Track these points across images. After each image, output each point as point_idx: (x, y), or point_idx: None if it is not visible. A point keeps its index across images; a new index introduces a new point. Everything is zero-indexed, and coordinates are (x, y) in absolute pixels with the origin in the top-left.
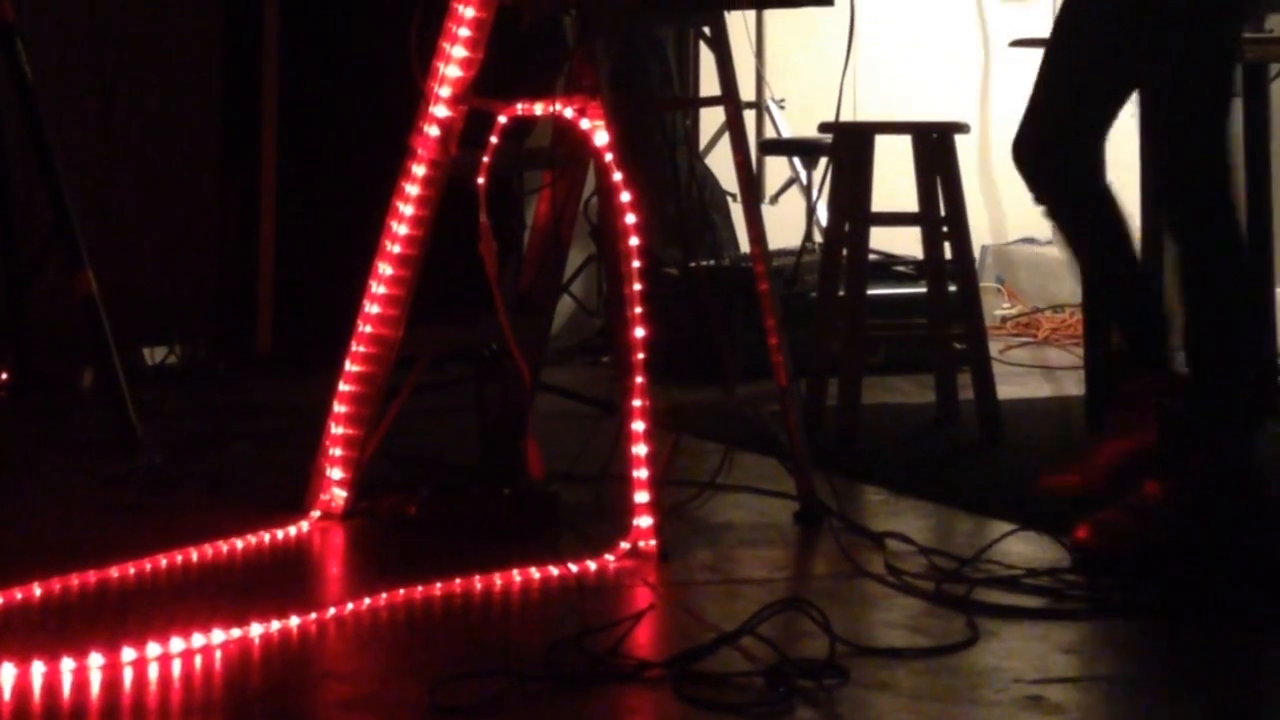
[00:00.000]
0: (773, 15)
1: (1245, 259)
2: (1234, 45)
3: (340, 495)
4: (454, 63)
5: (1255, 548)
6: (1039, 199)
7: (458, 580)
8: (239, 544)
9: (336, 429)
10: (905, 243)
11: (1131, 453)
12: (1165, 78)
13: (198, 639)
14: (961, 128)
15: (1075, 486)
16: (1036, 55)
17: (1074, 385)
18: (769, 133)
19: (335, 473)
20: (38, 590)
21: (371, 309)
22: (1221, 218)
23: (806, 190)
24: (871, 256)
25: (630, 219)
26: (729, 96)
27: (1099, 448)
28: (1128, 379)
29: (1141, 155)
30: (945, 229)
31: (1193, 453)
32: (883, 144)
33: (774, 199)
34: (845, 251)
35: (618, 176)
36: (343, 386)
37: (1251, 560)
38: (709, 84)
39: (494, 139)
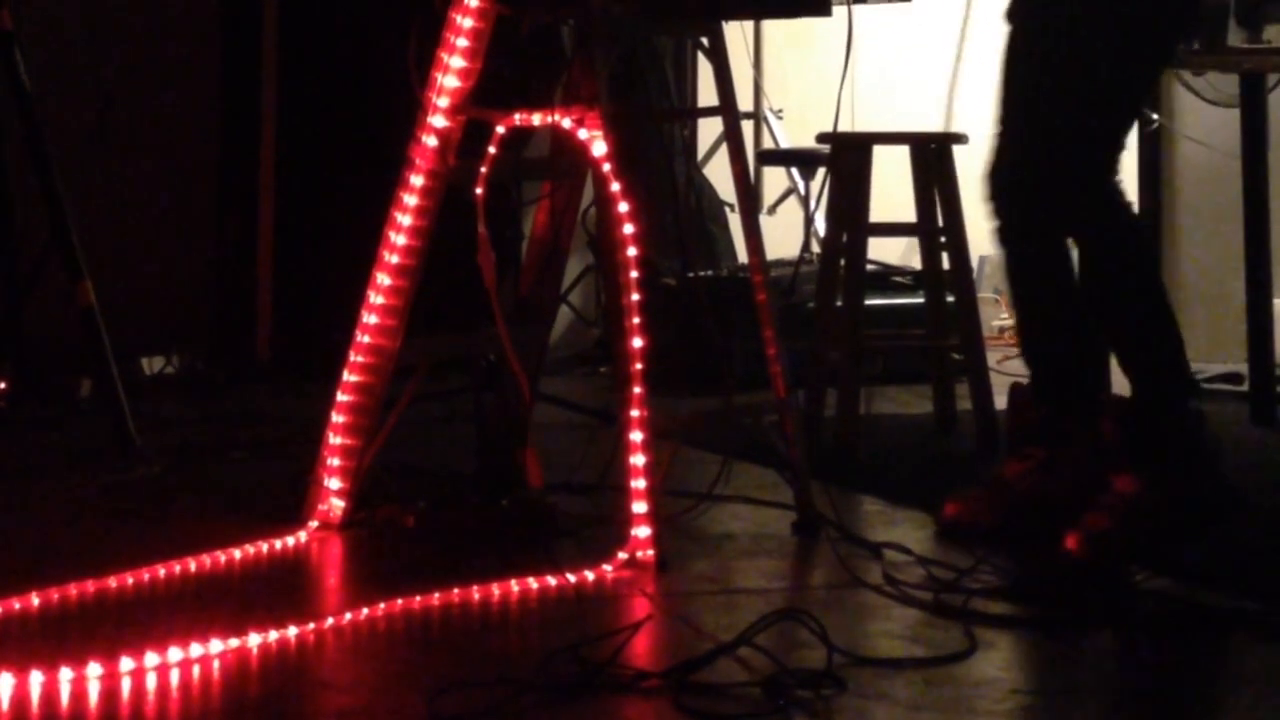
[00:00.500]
0: (771, 26)
1: (1137, 241)
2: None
3: (338, 505)
4: (452, 73)
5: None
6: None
7: (456, 590)
8: (237, 554)
9: (334, 439)
10: (903, 253)
11: (1047, 487)
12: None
13: (196, 649)
14: (959, 138)
15: (977, 520)
16: None
17: None
18: (767, 143)
19: (333, 482)
20: (36, 600)
21: (370, 319)
22: (1101, 209)
23: (804, 200)
24: (869, 267)
25: (628, 229)
26: (727, 107)
27: (1010, 478)
28: (1057, 418)
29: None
30: (943, 239)
31: (1164, 438)
32: (880, 154)
33: (772, 209)
34: (843, 262)
35: (616, 187)
36: (341, 396)
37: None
38: (707, 94)
39: (492, 149)
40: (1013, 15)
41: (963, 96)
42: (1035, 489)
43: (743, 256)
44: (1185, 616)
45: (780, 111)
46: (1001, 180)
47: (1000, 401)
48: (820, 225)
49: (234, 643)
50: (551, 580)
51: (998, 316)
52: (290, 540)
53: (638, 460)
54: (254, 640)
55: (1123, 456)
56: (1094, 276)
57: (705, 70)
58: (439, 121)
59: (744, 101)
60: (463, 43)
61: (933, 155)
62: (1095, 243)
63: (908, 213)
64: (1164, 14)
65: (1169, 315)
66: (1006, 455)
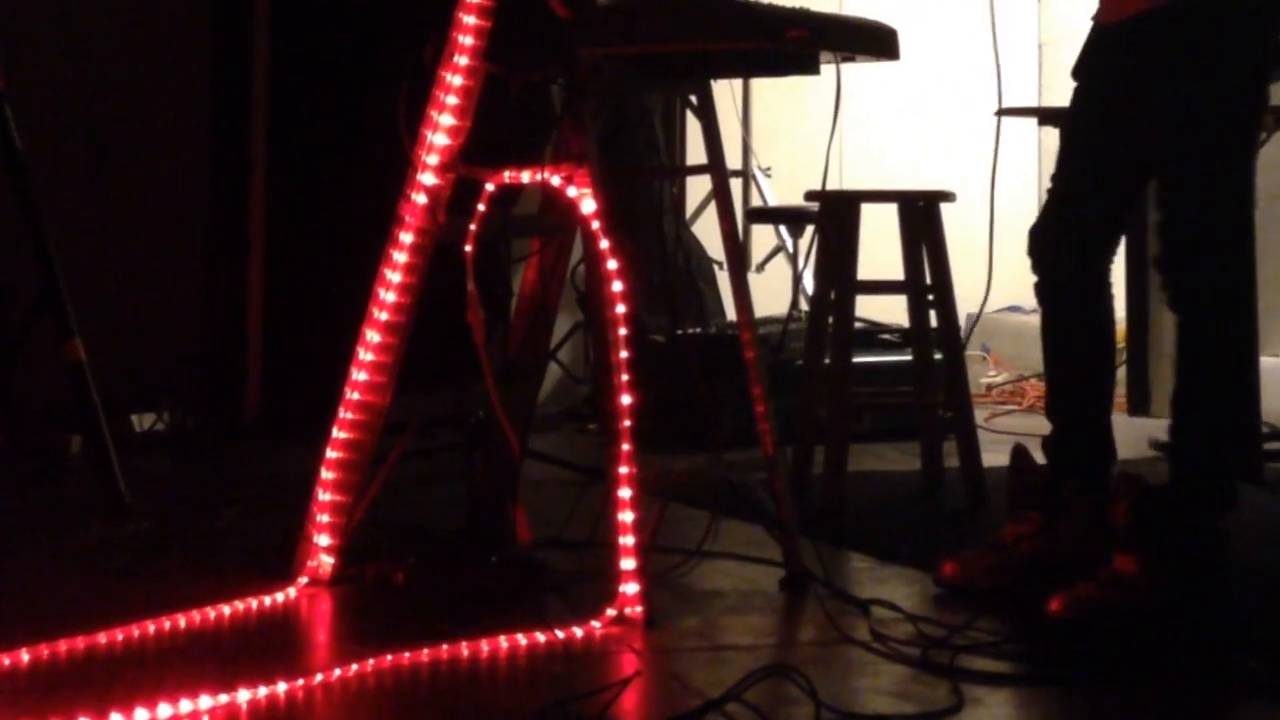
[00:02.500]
0: (759, 84)
1: (1246, 342)
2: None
3: (328, 561)
4: (442, 131)
5: (1226, 621)
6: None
7: (445, 647)
8: (226, 610)
9: (324, 495)
10: (891, 311)
11: (1044, 551)
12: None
13: (185, 705)
14: (947, 196)
15: (973, 581)
16: (1021, 124)
17: None
18: (755, 201)
19: (323, 539)
20: (26, 656)
21: (359, 376)
22: (1238, 304)
23: (792, 258)
24: (857, 324)
25: (617, 286)
26: (715, 165)
27: (1008, 541)
28: (1075, 496)
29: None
30: (931, 297)
31: (1172, 529)
32: (868, 212)
33: (760, 267)
34: (831, 319)
35: (604, 244)
36: (330, 453)
37: (1224, 631)
38: (696, 152)
39: (481, 206)
40: (1078, 72)
41: (951, 154)
42: (1033, 553)
43: (731, 314)
44: (1173, 673)
45: (768, 169)
46: (1047, 237)
47: (987, 458)
48: (808, 283)
49: (224, 699)
50: (540, 636)
51: (985, 374)
52: (280, 596)
53: (626, 517)
54: (243, 696)
55: (1130, 539)
56: (1186, 355)
57: (694, 128)
58: (429, 179)
59: (732, 159)
60: (453, 101)
61: (920, 213)
62: (1202, 318)
63: (896, 270)
64: (1259, 80)
65: (1240, 419)
66: (1006, 517)
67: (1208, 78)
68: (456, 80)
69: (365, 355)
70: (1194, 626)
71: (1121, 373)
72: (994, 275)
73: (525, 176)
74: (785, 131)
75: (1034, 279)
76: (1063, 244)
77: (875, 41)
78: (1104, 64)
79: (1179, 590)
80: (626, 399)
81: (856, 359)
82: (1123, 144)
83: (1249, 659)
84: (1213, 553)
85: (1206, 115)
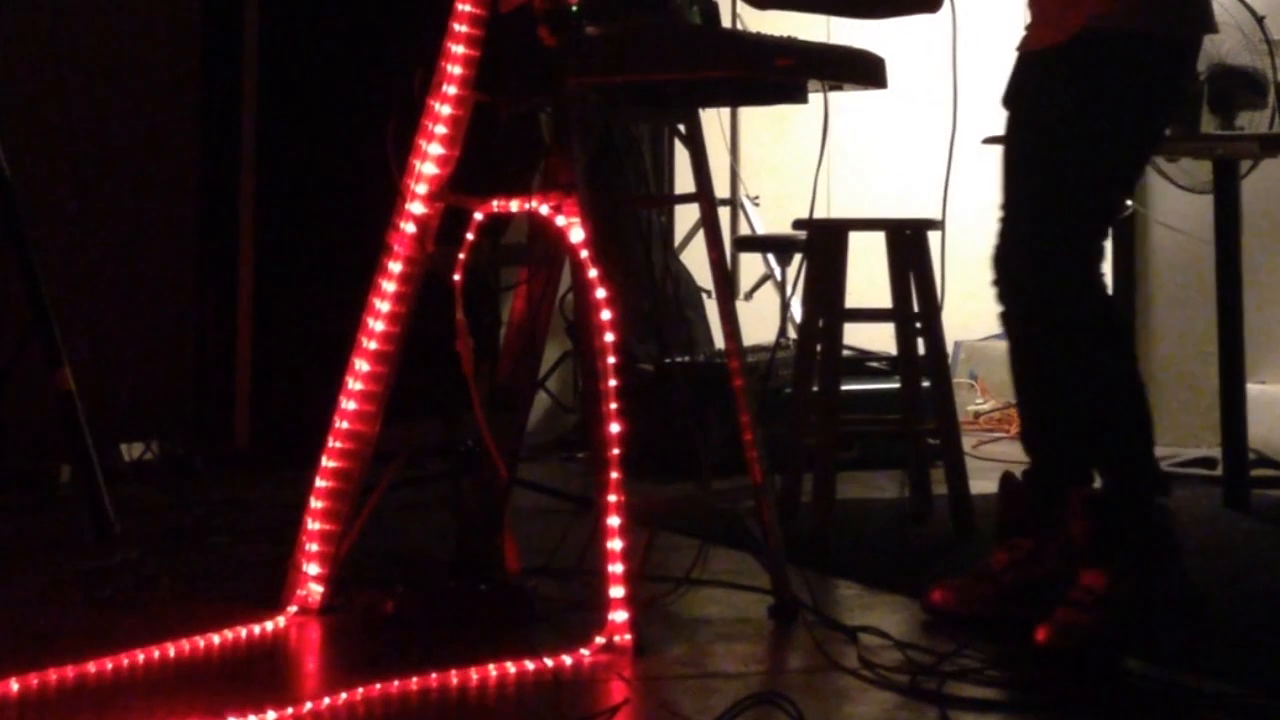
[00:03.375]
0: (747, 113)
1: (1115, 331)
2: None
3: (317, 590)
4: (430, 160)
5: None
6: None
7: (434, 675)
8: (216, 639)
9: (313, 524)
10: (879, 338)
11: (1033, 578)
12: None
13: None
14: (934, 224)
15: (962, 608)
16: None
17: None
18: (744, 229)
19: (312, 568)
20: (15, 685)
21: (348, 405)
22: (1080, 299)
23: (781, 286)
24: (845, 352)
25: (605, 315)
26: (704, 193)
27: (996, 568)
28: (1048, 508)
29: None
30: (918, 325)
31: (1131, 535)
32: (856, 240)
33: (748, 295)
34: (819, 347)
35: (593, 273)
36: (319, 482)
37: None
38: (684, 181)
39: (470, 236)
40: (1009, 101)
41: (938, 182)
42: (1021, 580)
43: (719, 342)
44: (1162, 700)
45: (757, 198)
46: (1007, 265)
47: (975, 486)
48: (796, 311)
49: None
50: (529, 664)
51: (973, 401)
52: (269, 625)
53: (615, 545)
54: None
55: (1090, 550)
56: (1073, 366)
57: (682, 157)
58: (417, 208)
59: (721, 188)
60: (441, 130)
61: (908, 241)
62: (1077, 330)
63: (883, 298)
64: (1155, 99)
65: (1144, 412)
66: (994, 545)
67: (1123, 97)
68: (445, 110)
69: (354, 384)
70: (1169, 615)
71: None
72: (981, 303)
73: (514, 205)
74: (773, 160)
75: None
76: (1021, 269)
77: (863, 70)
78: (1039, 88)
79: (1150, 594)
80: (615, 427)
81: (844, 387)
82: (1053, 166)
83: (1237, 686)
84: (1169, 549)
85: (1084, 134)
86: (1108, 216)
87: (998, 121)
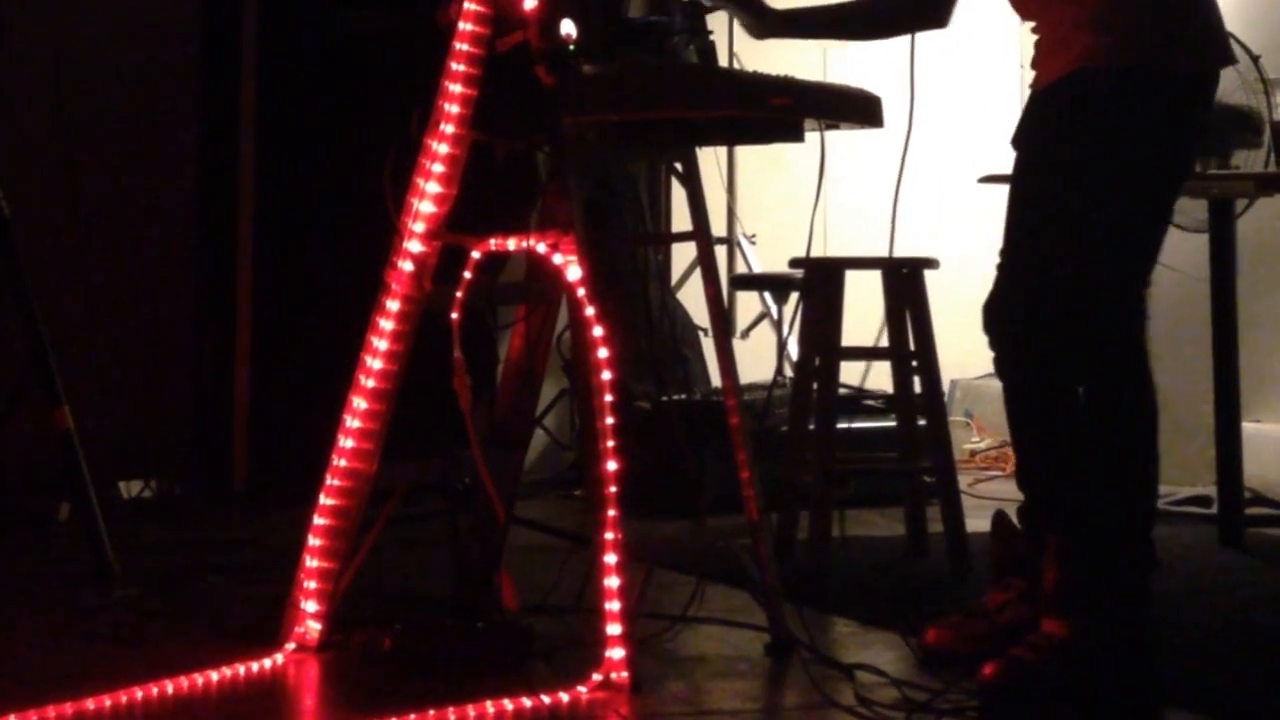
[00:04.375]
0: (744, 151)
1: (1151, 404)
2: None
3: (315, 628)
4: (428, 198)
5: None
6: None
7: (432, 712)
8: (214, 676)
9: (311, 562)
10: (875, 377)
11: (1028, 617)
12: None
13: None
14: (930, 263)
15: (957, 648)
16: (1004, 190)
17: None
18: (740, 268)
19: (310, 605)
20: None
21: (346, 442)
22: (1130, 372)
23: (777, 325)
24: (841, 390)
25: (603, 353)
26: (700, 232)
27: (991, 608)
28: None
29: None
30: (914, 363)
31: (1098, 592)
32: (853, 279)
33: (745, 333)
34: (815, 385)
35: (590, 311)
36: (317, 519)
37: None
38: (681, 219)
39: (468, 274)
40: (1018, 141)
41: (935, 221)
42: (1015, 619)
43: (716, 380)
44: None
45: (753, 236)
46: (1000, 312)
47: (971, 524)
48: (793, 349)
49: None
50: (527, 702)
51: (969, 440)
52: (267, 663)
53: (612, 582)
54: None
55: (1056, 600)
56: (1058, 422)
57: (679, 195)
58: (415, 246)
59: (717, 226)
60: (438, 168)
61: (904, 279)
62: (1065, 386)
63: (880, 336)
64: (1159, 136)
65: (1146, 481)
66: (989, 584)
67: (1129, 135)
68: (443, 148)
69: (352, 422)
70: (1122, 688)
71: None
72: (977, 341)
73: (511, 244)
74: (770, 198)
75: (994, 350)
76: (1017, 315)
77: (859, 109)
78: (1037, 130)
79: (1107, 655)
80: (612, 465)
81: (841, 425)
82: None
83: None
84: (1141, 616)
85: (1111, 173)
86: (1113, 263)
87: (994, 161)
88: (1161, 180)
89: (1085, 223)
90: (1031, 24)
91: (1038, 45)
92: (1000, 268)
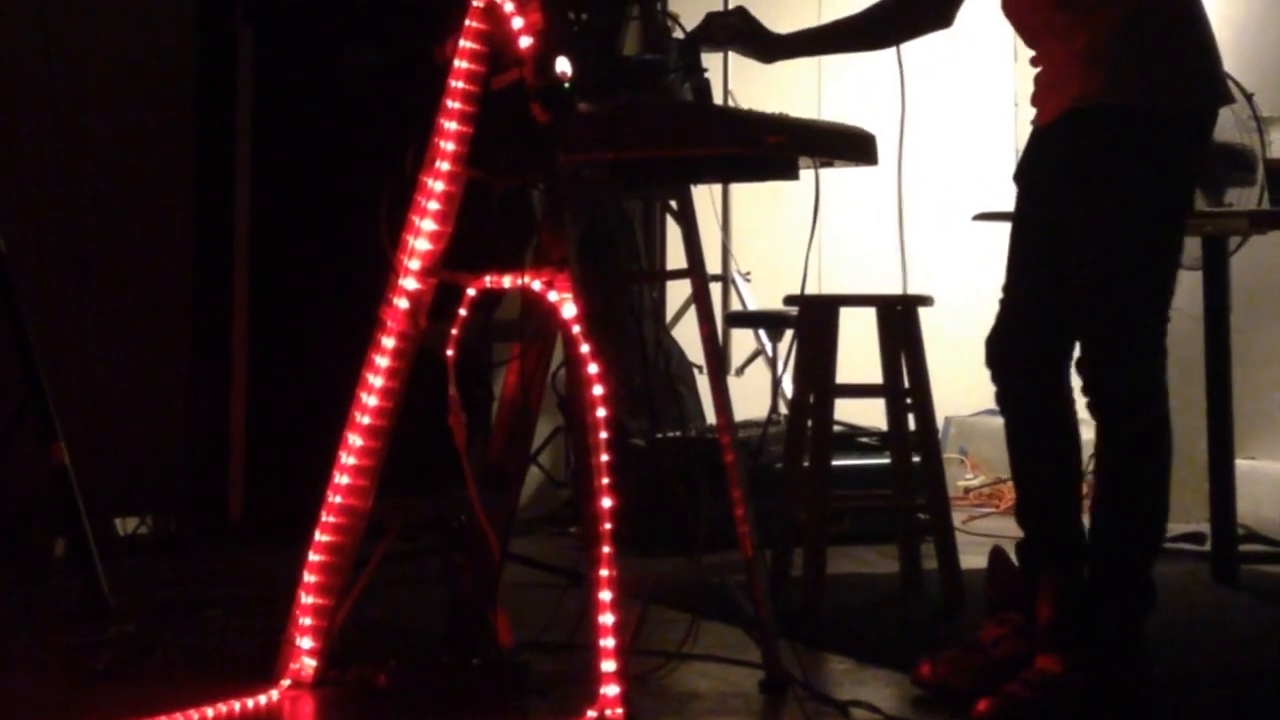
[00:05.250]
0: (738, 189)
1: (1167, 441)
2: (1179, 228)
3: (310, 664)
4: (423, 236)
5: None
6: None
7: None
8: (210, 712)
9: (306, 598)
10: (869, 414)
11: (1023, 652)
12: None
13: None
14: (925, 300)
15: (952, 682)
16: (998, 228)
17: None
18: (735, 305)
19: (305, 641)
20: None
21: (341, 479)
22: (1155, 404)
23: (772, 362)
24: (836, 428)
25: (597, 390)
26: (695, 269)
27: (986, 642)
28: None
29: None
30: (909, 400)
31: (1095, 630)
32: (847, 316)
33: (739, 371)
34: (810, 423)
35: (585, 348)
36: (312, 556)
37: None
38: (675, 257)
39: (463, 311)
40: (1020, 177)
41: (928, 258)
42: (1010, 654)
43: (711, 417)
44: None
45: (748, 274)
46: (1002, 347)
47: (966, 560)
48: (787, 386)
49: None
50: None
51: (963, 477)
52: (263, 699)
53: (607, 619)
54: None
55: (1053, 639)
56: (1060, 459)
57: (674, 233)
58: (411, 284)
59: (712, 264)
60: (434, 206)
61: (899, 317)
62: (1063, 426)
63: (874, 373)
64: (1153, 176)
65: (1140, 523)
66: (985, 619)
67: (1128, 176)
68: (438, 186)
69: (347, 459)
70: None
71: None
72: (971, 378)
73: (506, 281)
74: (764, 236)
75: (996, 384)
76: (1020, 351)
77: (854, 147)
78: (1040, 165)
79: (1102, 692)
80: (607, 502)
81: (835, 462)
82: (1065, 244)
83: None
84: (1136, 654)
85: (1125, 213)
86: (1116, 299)
87: (991, 198)
88: (1161, 217)
89: (1085, 259)
90: (1030, 59)
91: (1038, 80)
92: (1002, 303)
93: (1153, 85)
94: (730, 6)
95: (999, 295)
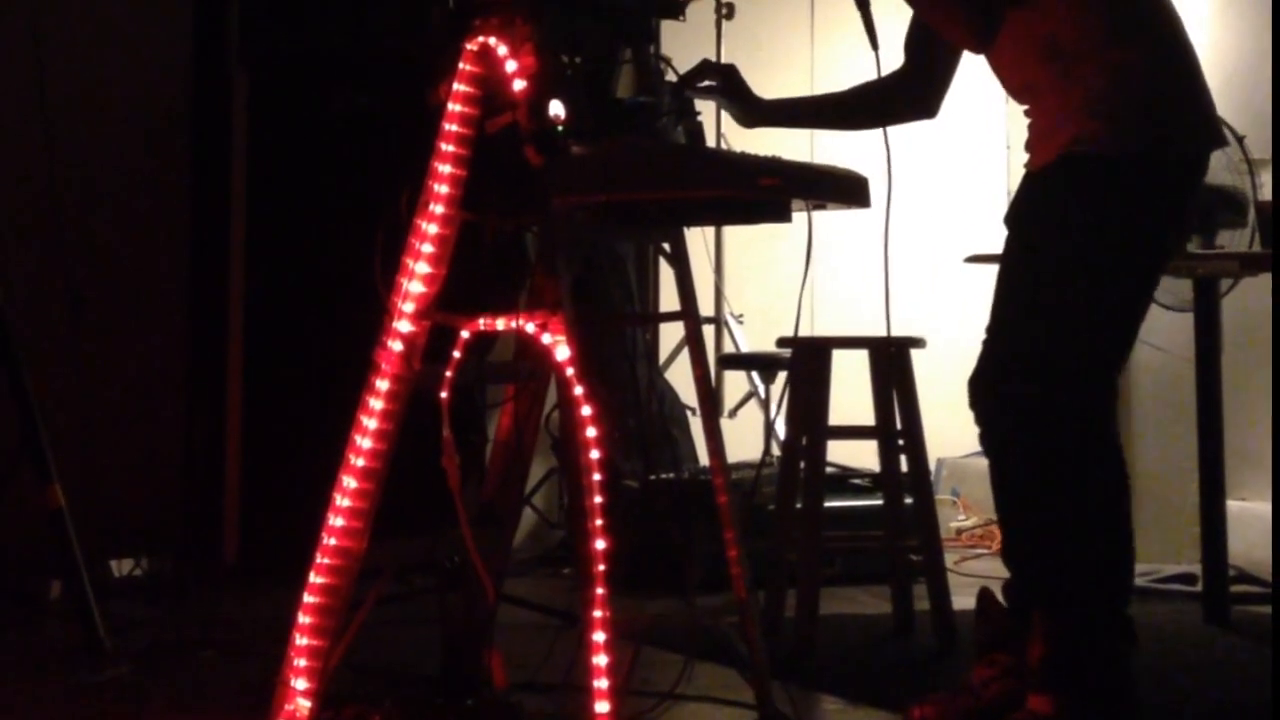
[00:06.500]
0: (731, 231)
1: (1123, 480)
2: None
3: (304, 705)
4: (418, 278)
5: None
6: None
7: None
8: None
9: (301, 639)
10: (862, 455)
11: (1013, 693)
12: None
13: None
14: (917, 342)
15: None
16: (992, 270)
17: None
18: (728, 347)
19: (299, 683)
20: None
21: (335, 521)
22: (1105, 448)
23: (765, 404)
24: (829, 469)
25: (591, 432)
26: (688, 312)
27: (976, 684)
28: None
29: None
30: (901, 442)
31: (1084, 669)
32: (840, 358)
33: (733, 413)
34: (803, 464)
35: (579, 390)
36: (307, 597)
37: None
38: (669, 299)
39: (457, 353)
40: (1009, 221)
41: (921, 301)
42: (1001, 695)
43: (704, 459)
44: None
45: (741, 316)
46: (983, 388)
47: (958, 601)
48: (780, 428)
49: None
50: None
51: (955, 518)
52: None
53: (600, 660)
54: None
55: (1044, 678)
56: (1063, 499)
57: (667, 275)
58: (405, 326)
59: (705, 306)
60: (428, 249)
61: (891, 358)
62: (1046, 464)
63: (866, 415)
64: (1163, 231)
65: (1128, 556)
66: (974, 660)
67: (1104, 225)
68: (432, 228)
69: (342, 501)
70: None
71: None
72: (963, 420)
73: (500, 324)
74: (757, 278)
75: (980, 425)
76: (1001, 392)
77: (847, 190)
78: (1027, 212)
79: None
80: (601, 543)
81: (828, 503)
82: (1052, 294)
83: None
84: (1126, 694)
85: (1096, 259)
86: (1094, 344)
87: (981, 240)
88: (1146, 265)
89: (1068, 305)
90: (1025, 110)
91: (1030, 126)
92: (985, 344)
93: (1149, 132)
94: (723, 61)
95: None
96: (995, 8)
